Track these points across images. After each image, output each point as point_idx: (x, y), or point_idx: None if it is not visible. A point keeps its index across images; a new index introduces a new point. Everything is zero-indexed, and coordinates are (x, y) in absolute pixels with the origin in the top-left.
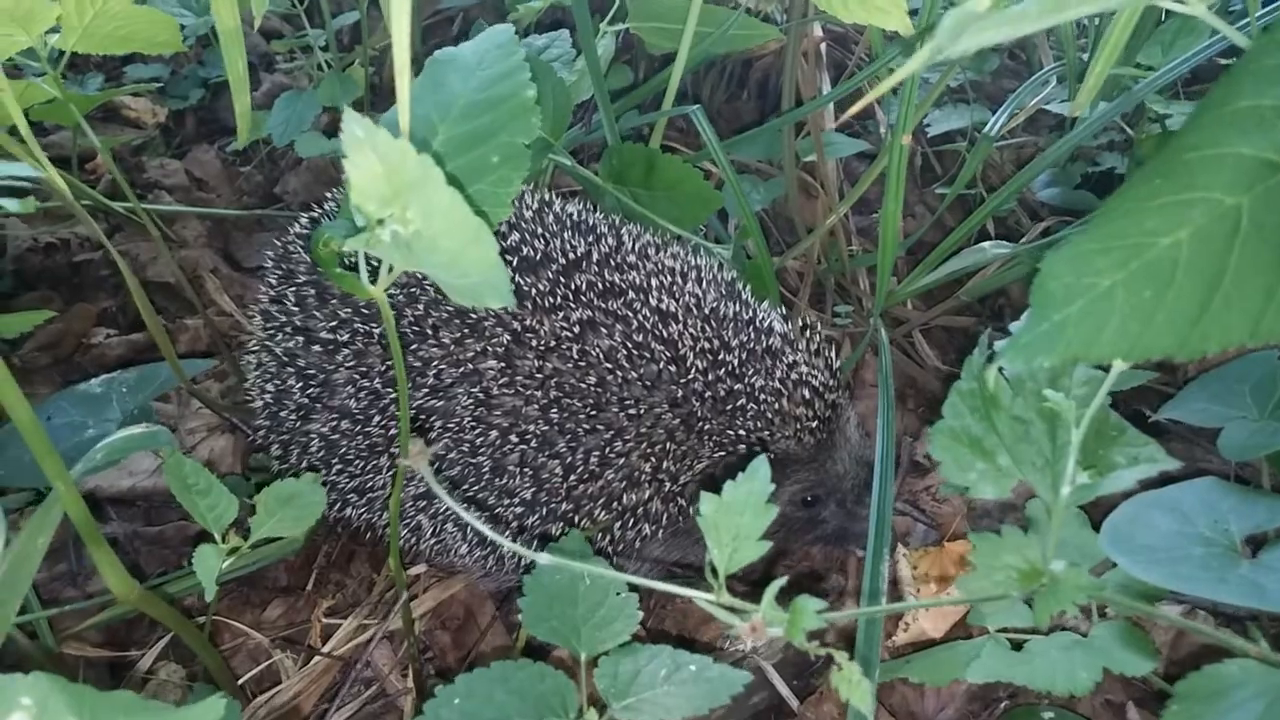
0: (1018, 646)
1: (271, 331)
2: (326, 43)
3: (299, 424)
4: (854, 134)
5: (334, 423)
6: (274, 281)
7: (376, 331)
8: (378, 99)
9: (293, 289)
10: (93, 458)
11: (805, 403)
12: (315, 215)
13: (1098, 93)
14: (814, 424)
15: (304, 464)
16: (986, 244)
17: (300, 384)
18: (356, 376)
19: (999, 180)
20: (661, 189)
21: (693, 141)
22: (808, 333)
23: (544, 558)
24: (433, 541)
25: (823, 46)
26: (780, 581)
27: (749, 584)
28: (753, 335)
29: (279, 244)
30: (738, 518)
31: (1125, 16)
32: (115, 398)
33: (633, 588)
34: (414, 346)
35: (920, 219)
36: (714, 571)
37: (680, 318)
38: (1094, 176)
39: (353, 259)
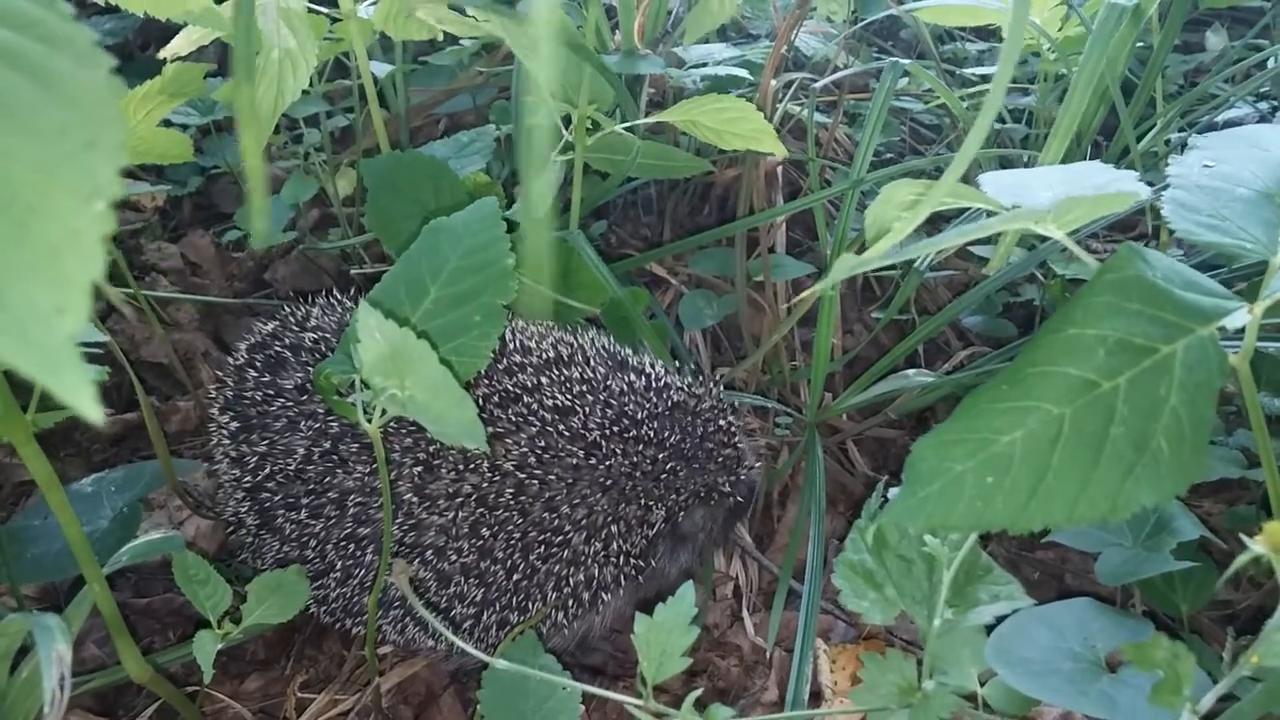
0: None
1: (226, 449)
2: (321, 142)
3: (260, 532)
4: (802, 251)
5: (276, 548)
6: (216, 411)
7: (291, 467)
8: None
9: (228, 415)
10: (118, 560)
11: (724, 444)
12: (254, 341)
13: (1014, 242)
14: (735, 459)
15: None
16: (910, 371)
17: (249, 504)
18: (284, 509)
19: (931, 301)
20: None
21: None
22: (700, 377)
23: (501, 663)
24: (396, 628)
25: (779, 170)
26: (697, 692)
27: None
28: (653, 399)
29: (221, 373)
30: (665, 636)
31: None
32: (105, 496)
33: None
34: (327, 479)
35: (859, 336)
36: (644, 681)
37: (578, 409)
38: (1015, 306)
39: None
